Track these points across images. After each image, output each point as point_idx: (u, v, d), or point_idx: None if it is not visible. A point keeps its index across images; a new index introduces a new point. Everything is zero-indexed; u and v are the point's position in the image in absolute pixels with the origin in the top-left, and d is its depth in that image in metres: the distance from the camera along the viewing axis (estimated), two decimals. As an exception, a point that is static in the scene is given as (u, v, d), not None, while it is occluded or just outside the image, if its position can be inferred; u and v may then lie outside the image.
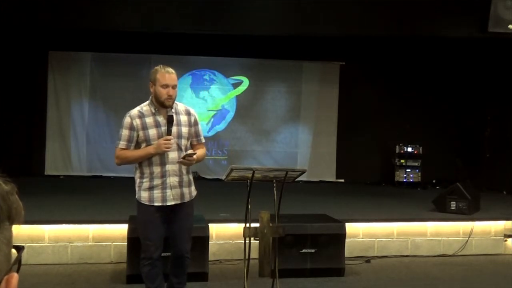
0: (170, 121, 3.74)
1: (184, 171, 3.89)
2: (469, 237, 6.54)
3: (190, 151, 3.82)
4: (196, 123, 3.98)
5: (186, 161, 3.73)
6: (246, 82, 10.86)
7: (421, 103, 10.71)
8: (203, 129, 10.65)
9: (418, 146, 10.35)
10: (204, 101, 10.76)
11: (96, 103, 10.46)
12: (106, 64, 10.44)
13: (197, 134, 3.99)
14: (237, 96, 10.87)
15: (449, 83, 10.81)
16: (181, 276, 4.16)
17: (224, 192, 8.06)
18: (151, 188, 3.81)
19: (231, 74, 10.84)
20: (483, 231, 6.65)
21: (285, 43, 10.15)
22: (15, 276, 0.85)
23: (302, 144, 10.98)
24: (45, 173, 10.20)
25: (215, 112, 10.83)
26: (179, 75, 10.74)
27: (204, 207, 6.65)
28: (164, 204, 3.82)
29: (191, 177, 4.00)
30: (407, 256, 6.38)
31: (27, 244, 5.43)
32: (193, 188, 4.00)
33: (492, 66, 10.25)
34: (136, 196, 3.90)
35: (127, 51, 10.21)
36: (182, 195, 3.87)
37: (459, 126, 10.82)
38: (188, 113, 3.94)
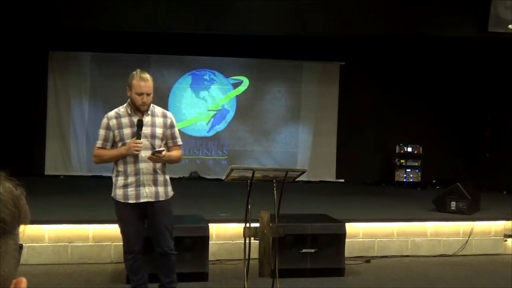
0: (139, 125, 3.91)
1: (159, 171, 4.00)
2: (469, 237, 6.54)
3: (160, 149, 3.94)
4: (172, 126, 4.12)
5: (154, 157, 3.88)
6: (246, 82, 10.86)
7: (421, 103, 10.72)
8: (203, 129, 10.82)
9: (418, 146, 10.36)
10: (204, 101, 10.76)
11: (96, 103, 10.45)
12: (106, 64, 10.44)
13: (173, 137, 4.13)
14: (237, 96, 10.87)
15: (449, 83, 10.81)
16: (170, 275, 4.20)
17: (224, 192, 8.05)
18: (125, 186, 3.94)
19: (231, 74, 10.84)
20: (483, 231, 6.64)
21: (285, 43, 10.15)
22: (23, 281, 0.85)
23: (302, 144, 10.98)
24: (45, 173, 10.20)
25: (215, 112, 10.83)
26: (179, 75, 10.85)
27: (204, 207, 6.69)
28: (138, 201, 3.94)
29: (167, 177, 4.10)
30: (407, 256, 6.37)
31: (27, 244, 5.42)
32: (170, 188, 4.11)
33: (492, 66, 10.25)
34: (112, 194, 4.02)
35: (127, 51, 10.21)
36: (156, 193, 3.99)
37: (459, 126, 10.82)
38: (164, 116, 4.09)
